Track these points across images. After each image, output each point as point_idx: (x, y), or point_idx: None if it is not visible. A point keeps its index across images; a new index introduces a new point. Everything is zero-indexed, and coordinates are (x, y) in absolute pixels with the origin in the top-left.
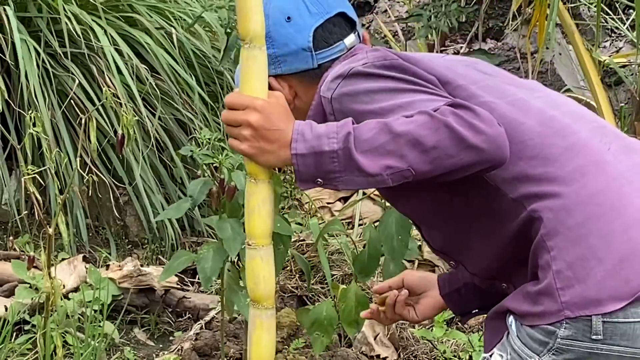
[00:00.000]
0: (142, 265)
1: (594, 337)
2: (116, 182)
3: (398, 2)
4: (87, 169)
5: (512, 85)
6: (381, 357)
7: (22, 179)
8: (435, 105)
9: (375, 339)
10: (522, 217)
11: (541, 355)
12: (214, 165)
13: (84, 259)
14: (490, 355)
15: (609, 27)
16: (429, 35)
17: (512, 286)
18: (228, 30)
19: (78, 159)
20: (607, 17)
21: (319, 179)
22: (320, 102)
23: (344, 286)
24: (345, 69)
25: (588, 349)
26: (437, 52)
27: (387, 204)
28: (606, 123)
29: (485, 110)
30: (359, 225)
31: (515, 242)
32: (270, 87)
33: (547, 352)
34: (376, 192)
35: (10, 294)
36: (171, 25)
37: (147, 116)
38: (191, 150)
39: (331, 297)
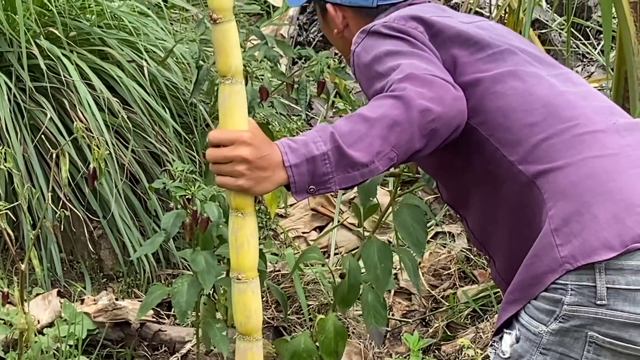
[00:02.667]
0: (117, 299)
1: (598, 302)
2: (90, 216)
3: None
4: (60, 204)
5: (535, 61)
6: None
7: None
8: (414, 71)
9: None
10: (520, 181)
11: (548, 325)
12: (187, 197)
13: (59, 293)
14: (500, 338)
15: (581, 52)
16: None
17: (492, 260)
18: (199, 63)
19: (50, 193)
20: (578, 42)
21: (312, 187)
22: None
23: (322, 316)
24: (370, 26)
25: (593, 314)
26: None
27: (364, 232)
28: (616, 106)
29: (442, 79)
30: (335, 254)
31: (511, 206)
32: (327, 12)
33: (553, 320)
34: (351, 220)
35: None
36: (143, 59)
37: (121, 149)
38: (164, 183)
39: (308, 328)
